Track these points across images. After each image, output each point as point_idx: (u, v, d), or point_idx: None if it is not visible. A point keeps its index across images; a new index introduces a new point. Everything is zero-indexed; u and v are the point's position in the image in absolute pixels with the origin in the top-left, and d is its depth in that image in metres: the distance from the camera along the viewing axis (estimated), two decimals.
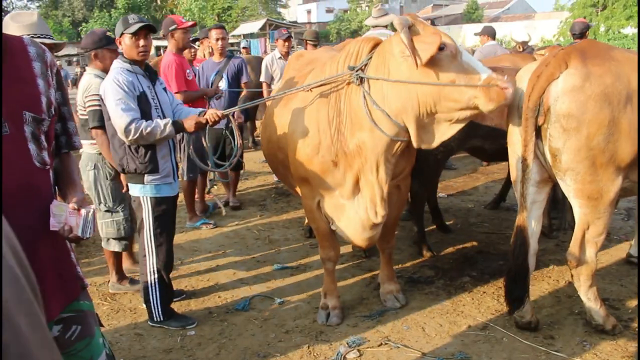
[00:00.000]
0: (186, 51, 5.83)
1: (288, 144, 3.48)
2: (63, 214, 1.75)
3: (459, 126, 3.03)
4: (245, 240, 5.26)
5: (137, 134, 3.24)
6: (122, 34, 3.40)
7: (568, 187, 3.03)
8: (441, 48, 2.84)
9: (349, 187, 3.29)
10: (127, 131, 3.23)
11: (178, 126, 3.36)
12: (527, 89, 3.03)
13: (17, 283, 0.74)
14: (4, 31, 1.81)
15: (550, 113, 2.95)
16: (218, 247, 5.10)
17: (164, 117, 3.47)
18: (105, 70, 3.72)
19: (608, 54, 2.97)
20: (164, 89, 3.67)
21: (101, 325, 2.12)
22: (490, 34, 7.82)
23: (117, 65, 3.44)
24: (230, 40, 28.36)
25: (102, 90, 3.40)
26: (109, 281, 4.26)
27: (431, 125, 3.04)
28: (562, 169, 2.98)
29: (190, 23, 5.29)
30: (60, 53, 27.28)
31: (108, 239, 4.06)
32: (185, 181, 5.51)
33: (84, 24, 41.62)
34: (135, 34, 3.37)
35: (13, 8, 51.39)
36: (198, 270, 4.58)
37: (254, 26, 31.21)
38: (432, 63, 2.85)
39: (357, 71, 3.11)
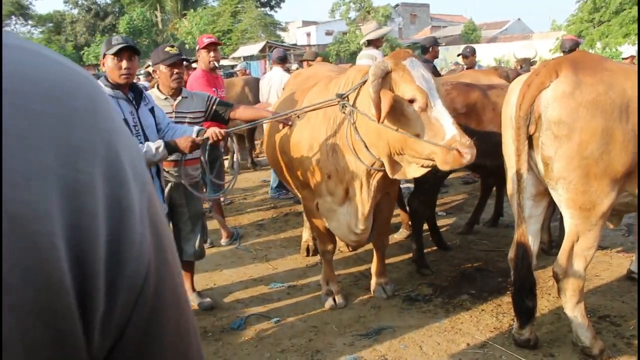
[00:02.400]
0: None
1: (293, 152, 3.80)
2: None
3: (428, 169, 3.20)
4: (242, 259, 5.21)
5: None
6: (104, 55, 3.27)
7: (560, 197, 2.99)
8: (411, 101, 2.98)
9: (339, 196, 3.65)
10: None
11: (171, 148, 3.26)
12: (518, 98, 3.01)
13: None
14: None
15: (542, 121, 2.93)
16: (215, 266, 5.05)
17: (145, 140, 3.31)
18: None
19: (600, 64, 2.95)
20: (151, 109, 3.50)
21: None
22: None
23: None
24: (230, 63, 28.57)
25: None
26: None
27: (402, 162, 3.25)
28: (554, 177, 2.95)
29: (208, 41, 5.22)
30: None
31: None
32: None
33: (86, 48, 42.01)
34: (117, 55, 3.21)
35: (17, 34, 51.93)
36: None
37: (253, 48, 31.44)
38: (401, 113, 3.01)
39: (343, 99, 3.33)
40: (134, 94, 3.38)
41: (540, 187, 3.16)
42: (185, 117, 3.88)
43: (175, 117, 3.82)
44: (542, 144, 2.96)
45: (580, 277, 3.08)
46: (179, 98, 3.90)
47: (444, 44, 38.35)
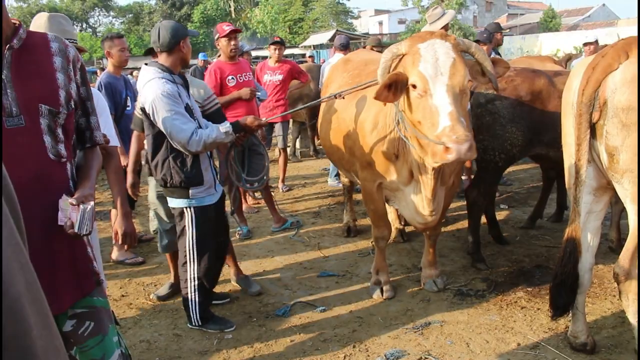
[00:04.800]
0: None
1: (357, 132, 3.77)
2: (68, 209, 1.73)
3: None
4: (294, 246, 5.20)
5: (201, 145, 3.17)
6: (185, 37, 3.35)
7: (625, 191, 2.71)
8: (414, 86, 2.90)
9: (405, 175, 3.55)
10: (190, 144, 3.16)
11: (239, 127, 3.34)
12: (581, 82, 2.75)
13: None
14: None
15: (607, 107, 2.66)
16: (267, 252, 5.07)
17: (200, 126, 3.34)
18: None
19: None
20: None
21: (117, 323, 2.10)
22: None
23: (157, 75, 3.24)
24: (301, 51, 28.69)
25: (146, 102, 3.21)
26: (154, 284, 4.33)
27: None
28: (619, 170, 2.68)
29: (229, 30, 5.13)
30: (138, 65, 28.66)
31: None
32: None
33: None
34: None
35: (99, 25, 54.55)
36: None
37: (323, 37, 31.47)
38: (407, 98, 3.00)
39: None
40: (183, 80, 3.43)
41: (603, 181, 2.90)
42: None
43: None
44: (607, 133, 2.69)
45: None
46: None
47: (519, 33, 36.91)
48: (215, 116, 3.77)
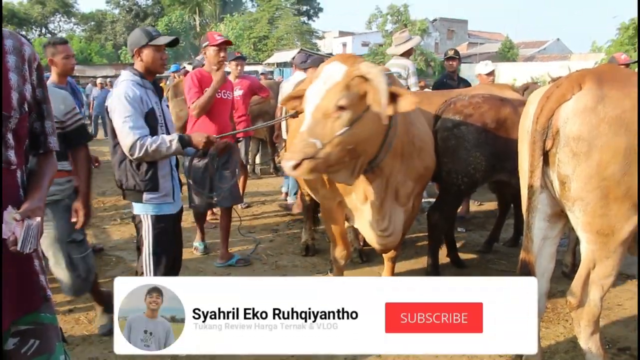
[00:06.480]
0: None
1: None
2: (12, 223, 1.58)
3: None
4: (252, 264, 5.13)
5: (143, 152, 3.13)
6: (143, 46, 3.30)
7: (576, 219, 2.78)
8: None
9: (361, 194, 3.52)
10: (132, 149, 3.13)
11: (185, 142, 3.26)
12: (535, 111, 2.83)
13: None
14: None
15: (560, 136, 2.73)
16: (224, 269, 4.97)
17: (169, 134, 3.37)
18: None
19: (629, 79, 2.74)
20: (167, 106, 3.61)
21: (64, 340, 2.00)
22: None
23: (128, 78, 3.32)
24: (266, 69, 28.75)
25: (109, 104, 3.28)
26: None
27: None
28: (570, 198, 2.75)
29: (221, 40, 4.90)
30: (99, 74, 28.10)
31: None
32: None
33: (124, 47, 42.87)
34: (158, 46, 3.31)
35: (60, 31, 53.37)
36: None
37: (287, 55, 31.62)
38: None
39: None
40: (155, 87, 3.44)
41: (557, 208, 2.96)
42: None
43: None
44: (558, 161, 2.76)
45: (595, 307, 2.87)
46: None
47: (475, 61, 37.92)
48: (76, 134, 3.47)
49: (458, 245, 5.28)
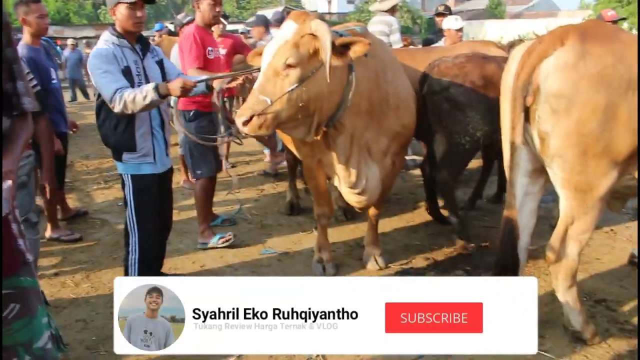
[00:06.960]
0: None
1: None
2: None
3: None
4: (237, 224, 5.15)
5: (122, 104, 3.12)
6: (117, 3, 3.24)
7: (555, 176, 2.81)
8: None
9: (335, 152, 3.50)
10: (112, 101, 3.13)
11: (162, 90, 3.17)
12: (517, 67, 2.81)
13: None
14: None
15: (540, 92, 2.72)
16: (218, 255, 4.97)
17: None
18: None
19: (614, 35, 2.72)
20: (159, 61, 3.50)
21: (47, 303, 2.01)
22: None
23: (104, 37, 3.33)
24: (246, 29, 28.16)
25: (88, 65, 3.29)
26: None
27: None
28: (549, 154, 2.76)
29: None
30: (79, 35, 27.34)
31: None
32: (195, 181, 4.71)
33: (103, 7, 41.75)
34: (132, 4, 3.22)
35: None
36: (185, 252, 4.48)
37: (270, 13, 31.06)
38: None
39: None
40: (141, 45, 3.41)
41: (537, 164, 2.98)
42: None
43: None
44: (538, 118, 2.77)
45: (573, 261, 2.94)
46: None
47: (466, 19, 37.53)
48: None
49: (440, 202, 5.32)
